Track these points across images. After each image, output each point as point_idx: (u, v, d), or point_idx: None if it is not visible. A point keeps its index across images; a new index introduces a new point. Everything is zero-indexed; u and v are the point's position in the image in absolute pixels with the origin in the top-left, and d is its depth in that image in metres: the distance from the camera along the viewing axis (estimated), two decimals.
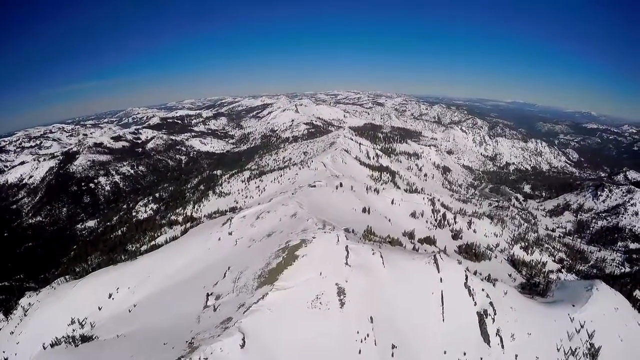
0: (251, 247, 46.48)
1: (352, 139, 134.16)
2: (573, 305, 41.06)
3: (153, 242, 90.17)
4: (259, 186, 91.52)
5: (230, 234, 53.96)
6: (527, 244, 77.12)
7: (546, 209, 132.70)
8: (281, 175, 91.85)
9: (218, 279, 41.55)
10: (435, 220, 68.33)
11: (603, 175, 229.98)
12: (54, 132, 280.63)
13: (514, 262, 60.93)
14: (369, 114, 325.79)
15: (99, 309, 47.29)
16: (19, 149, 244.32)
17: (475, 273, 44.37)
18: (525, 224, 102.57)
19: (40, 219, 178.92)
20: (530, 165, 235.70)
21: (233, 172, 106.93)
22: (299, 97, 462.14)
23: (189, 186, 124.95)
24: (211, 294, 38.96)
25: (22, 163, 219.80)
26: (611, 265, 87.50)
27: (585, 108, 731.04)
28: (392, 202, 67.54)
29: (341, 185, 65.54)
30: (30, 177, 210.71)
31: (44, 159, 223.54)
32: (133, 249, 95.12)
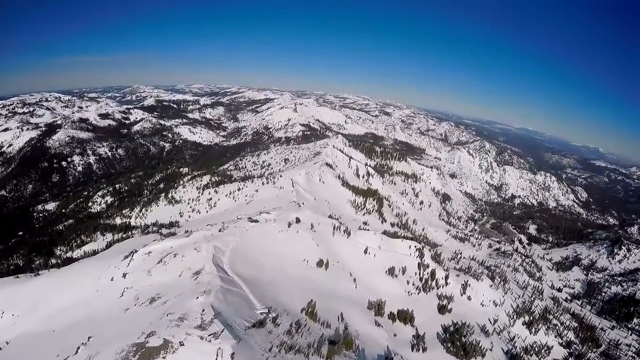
0: (127, 313, 30.52)
1: (342, 151, 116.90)
2: None
3: (77, 250, 74.73)
4: (211, 199, 74.98)
5: (124, 276, 38.07)
6: (531, 318, 61.15)
7: (553, 260, 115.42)
8: (239, 189, 74.92)
9: (70, 353, 25.97)
10: (421, 279, 51.38)
11: (612, 221, 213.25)
12: (50, 101, 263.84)
13: (514, 358, 44.88)
14: (372, 122, 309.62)
15: None
16: (10, 114, 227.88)
17: None
18: (530, 280, 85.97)
19: (5, 193, 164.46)
20: (537, 200, 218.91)
21: (194, 174, 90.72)
22: (306, 96, 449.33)
23: (150, 182, 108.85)
24: None
25: (6, 130, 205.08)
26: (626, 355, 70.81)
27: (593, 144, 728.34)
28: (366, 252, 50.83)
29: (298, 221, 48.69)
30: (10, 145, 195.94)
31: (27, 129, 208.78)
32: (58, 253, 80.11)
